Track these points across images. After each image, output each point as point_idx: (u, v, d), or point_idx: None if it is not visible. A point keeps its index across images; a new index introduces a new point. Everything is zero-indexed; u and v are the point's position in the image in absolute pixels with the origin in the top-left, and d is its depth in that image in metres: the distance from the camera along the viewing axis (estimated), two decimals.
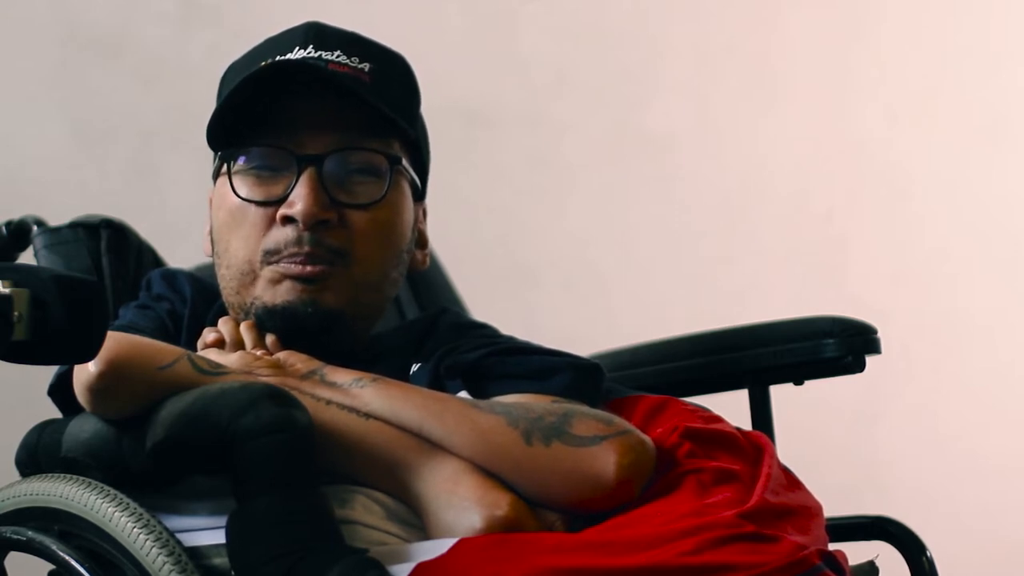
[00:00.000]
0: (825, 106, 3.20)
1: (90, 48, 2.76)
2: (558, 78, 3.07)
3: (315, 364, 1.42)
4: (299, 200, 1.47)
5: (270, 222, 1.49)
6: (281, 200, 1.49)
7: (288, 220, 1.48)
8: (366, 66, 1.52)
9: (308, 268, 1.48)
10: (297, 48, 1.52)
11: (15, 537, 1.40)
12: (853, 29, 3.23)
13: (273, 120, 1.50)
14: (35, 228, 1.79)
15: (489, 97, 2.99)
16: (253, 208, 1.50)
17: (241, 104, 1.48)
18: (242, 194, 1.50)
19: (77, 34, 2.76)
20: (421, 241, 1.60)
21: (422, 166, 1.58)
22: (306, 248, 1.48)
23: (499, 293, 2.78)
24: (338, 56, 1.51)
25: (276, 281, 1.49)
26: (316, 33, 1.54)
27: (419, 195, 1.58)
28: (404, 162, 1.53)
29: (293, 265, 1.48)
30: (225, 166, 1.52)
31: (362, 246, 1.50)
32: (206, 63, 2.75)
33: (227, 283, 1.53)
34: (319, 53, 1.51)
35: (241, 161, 1.51)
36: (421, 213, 1.60)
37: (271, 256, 1.49)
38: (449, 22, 3.00)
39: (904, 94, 3.23)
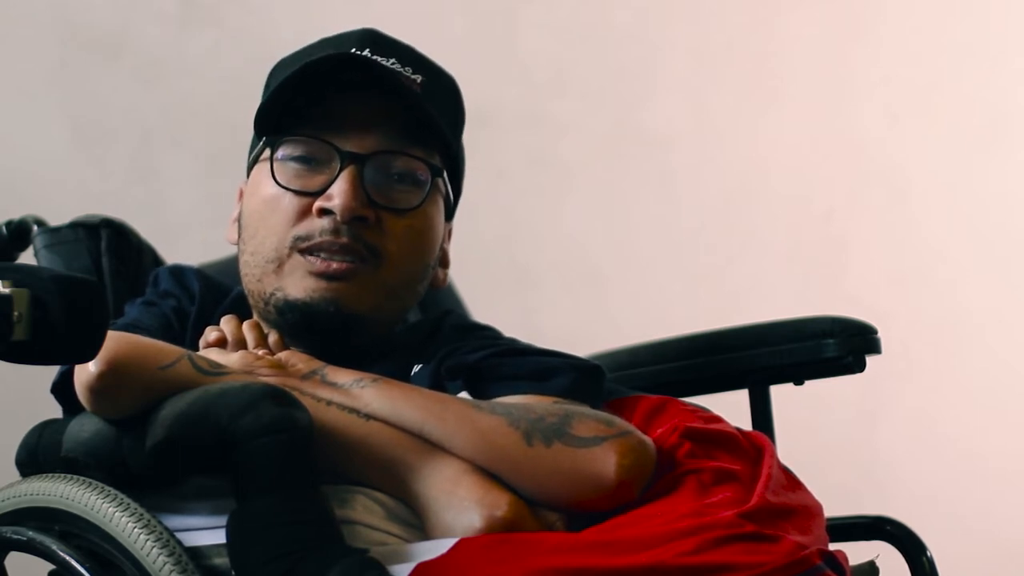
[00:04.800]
0: (825, 106, 3.19)
1: (90, 48, 2.76)
2: (558, 78, 3.07)
3: (316, 364, 1.42)
4: (339, 195, 1.47)
5: (304, 212, 1.49)
6: (319, 193, 1.49)
7: (325, 212, 1.48)
8: (418, 77, 1.52)
9: (335, 265, 1.48)
10: (354, 50, 1.52)
11: (15, 537, 1.40)
12: (853, 29, 3.23)
13: (322, 114, 1.50)
14: (35, 228, 1.79)
15: (489, 97, 2.99)
16: (289, 197, 1.50)
17: (291, 93, 1.48)
18: (281, 181, 1.50)
19: (77, 34, 2.76)
20: (443, 260, 1.60)
21: (457, 185, 1.58)
22: (343, 239, 1.48)
23: (499, 293, 2.78)
24: (393, 63, 1.52)
25: (301, 276, 1.49)
26: (373, 39, 1.54)
27: (449, 214, 1.58)
28: (444, 175, 1.53)
29: (320, 261, 1.48)
30: (267, 152, 1.51)
31: (395, 251, 1.50)
32: (206, 63, 2.76)
33: (250, 270, 1.53)
34: (375, 57, 1.51)
35: (283, 151, 1.51)
36: (447, 232, 1.60)
37: (302, 242, 1.49)
38: (449, 22, 3.00)
39: (904, 94, 3.23)
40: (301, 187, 1.50)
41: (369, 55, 1.51)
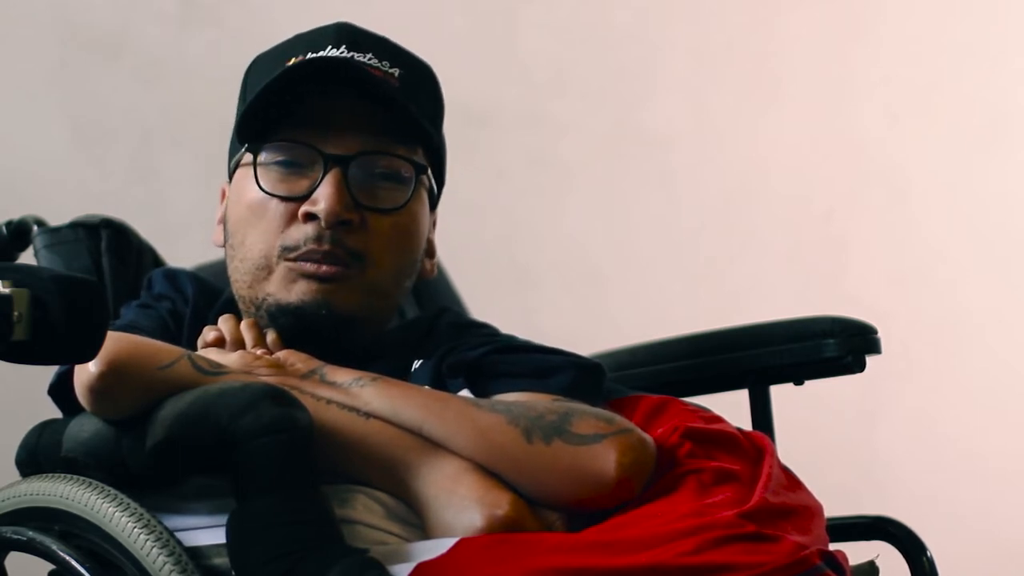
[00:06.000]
0: (825, 106, 3.19)
1: (90, 48, 2.76)
2: (558, 78, 3.07)
3: (315, 363, 1.42)
4: (323, 199, 1.47)
5: (291, 218, 1.49)
6: (304, 197, 1.48)
7: (310, 217, 1.48)
8: (396, 71, 1.52)
9: (324, 268, 1.48)
10: (330, 47, 1.52)
11: (15, 537, 1.40)
12: (853, 29, 3.23)
13: (302, 117, 1.49)
14: (35, 228, 1.79)
15: (489, 97, 2.99)
16: (275, 203, 1.49)
17: (272, 97, 1.48)
18: (266, 187, 1.50)
19: (77, 34, 2.76)
20: (429, 250, 1.60)
21: (440, 176, 1.58)
22: (325, 246, 1.47)
23: (499, 293, 2.78)
24: (370, 59, 1.51)
25: (291, 280, 1.49)
26: (348, 34, 1.53)
27: (433, 204, 1.58)
28: (428, 171, 1.53)
29: (309, 264, 1.48)
30: (250, 158, 1.51)
31: (380, 251, 1.50)
32: (206, 63, 2.76)
33: (240, 276, 1.52)
34: (352, 54, 1.51)
35: (265, 155, 1.50)
36: (432, 222, 1.60)
37: (289, 252, 1.48)
38: (449, 22, 3.00)
39: (904, 94, 3.23)
40: (286, 192, 1.49)
41: (346, 52, 1.51)
